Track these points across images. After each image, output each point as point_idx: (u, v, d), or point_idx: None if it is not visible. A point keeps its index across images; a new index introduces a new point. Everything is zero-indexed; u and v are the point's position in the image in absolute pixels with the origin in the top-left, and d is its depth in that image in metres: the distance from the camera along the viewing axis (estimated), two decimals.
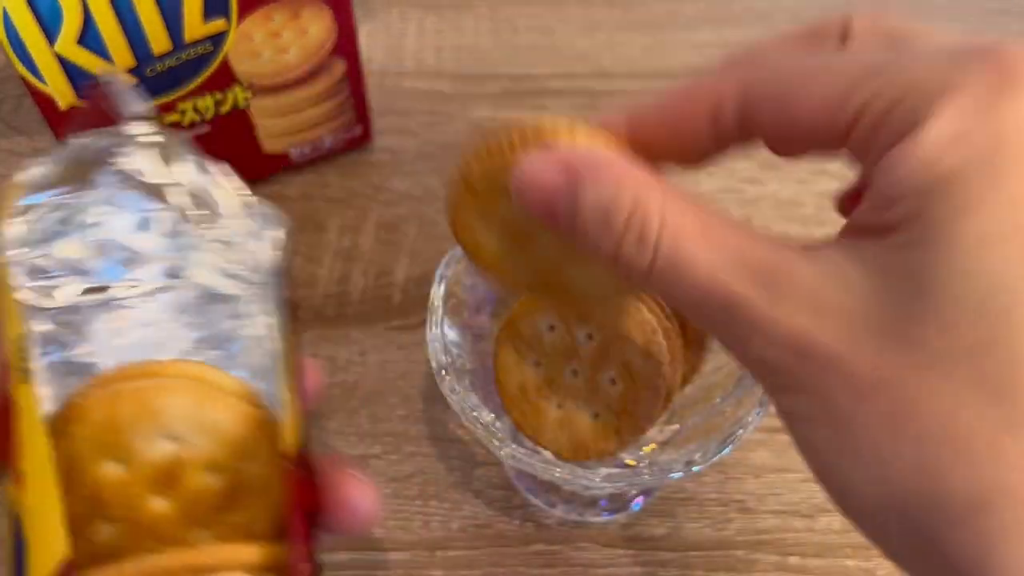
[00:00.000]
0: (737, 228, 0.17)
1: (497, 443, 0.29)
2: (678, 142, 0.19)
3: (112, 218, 0.27)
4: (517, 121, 0.20)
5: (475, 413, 0.29)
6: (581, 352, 0.27)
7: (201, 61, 0.38)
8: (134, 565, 0.20)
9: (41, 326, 0.25)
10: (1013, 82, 0.15)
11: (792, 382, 0.16)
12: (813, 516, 0.35)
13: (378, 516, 0.22)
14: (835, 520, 0.35)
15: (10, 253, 0.25)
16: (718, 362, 0.31)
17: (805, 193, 0.45)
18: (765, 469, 0.36)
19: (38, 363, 0.23)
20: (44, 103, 0.36)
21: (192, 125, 0.41)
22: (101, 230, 0.27)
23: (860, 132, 0.16)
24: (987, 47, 0.16)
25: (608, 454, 0.28)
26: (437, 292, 0.31)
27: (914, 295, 0.15)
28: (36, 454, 0.19)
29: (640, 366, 0.27)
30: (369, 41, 0.52)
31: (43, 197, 0.26)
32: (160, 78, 0.38)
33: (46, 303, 0.27)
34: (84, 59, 0.35)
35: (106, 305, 0.27)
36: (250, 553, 0.20)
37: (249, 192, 0.28)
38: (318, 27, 0.40)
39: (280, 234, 0.28)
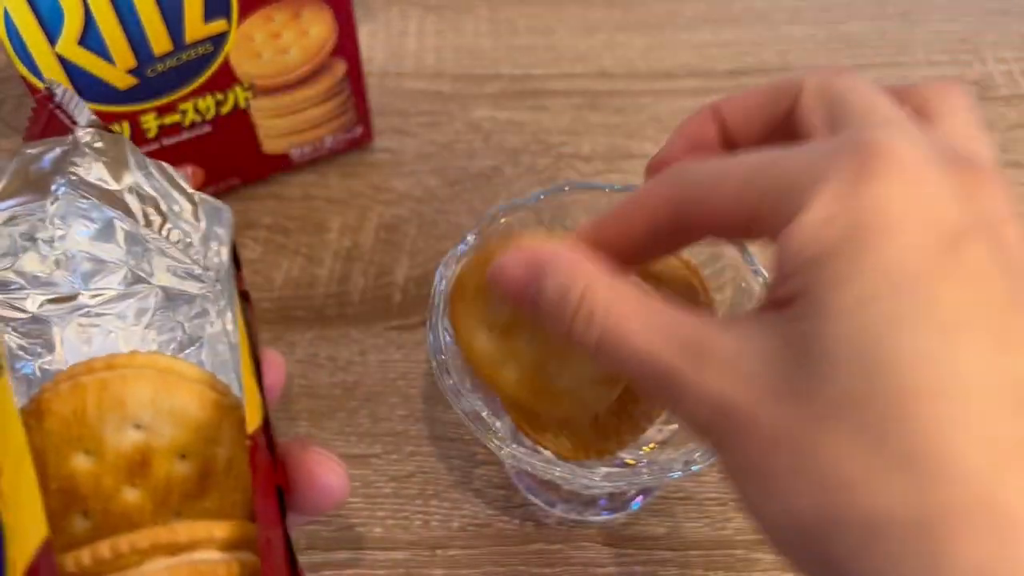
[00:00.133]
0: (668, 308, 0.20)
1: (497, 443, 0.29)
2: (627, 249, 0.22)
3: (73, 229, 0.27)
4: (502, 235, 0.23)
5: (475, 413, 0.29)
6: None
7: (202, 62, 0.38)
8: (109, 545, 0.20)
9: (9, 339, 0.26)
10: (870, 171, 0.18)
11: (718, 439, 0.19)
12: None
13: (345, 491, 0.23)
14: None
15: None
16: None
17: None
18: None
19: (9, 367, 0.23)
20: None
21: (193, 125, 0.41)
22: (64, 242, 0.27)
23: (759, 221, 0.19)
24: (854, 140, 0.18)
25: (608, 453, 0.28)
26: (437, 292, 0.31)
27: (805, 360, 0.17)
28: (11, 442, 0.19)
29: None
30: (369, 42, 0.52)
31: (1, 208, 0.26)
32: (161, 78, 0.38)
33: (13, 315, 0.27)
34: (85, 60, 0.35)
35: (73, 314, 0.28)
36: (222, 530, 0.20)
37: (194, 190, 0.28)
38: (319, 28, 0.40)
39: (229, 229, 0.28)
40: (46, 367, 0.27)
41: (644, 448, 0.32)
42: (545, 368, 0.26)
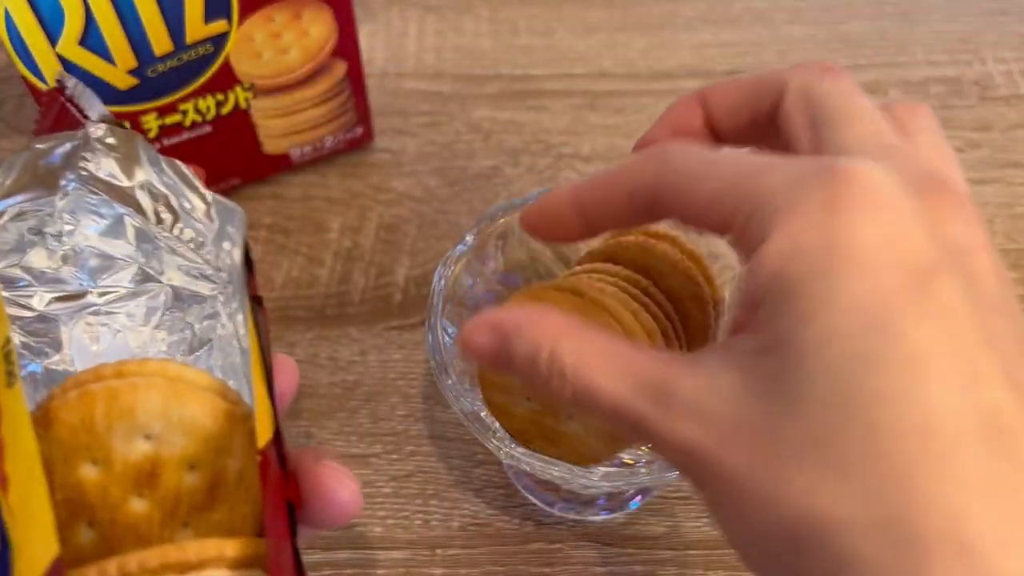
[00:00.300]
0: (633, 352, 0.20)
1: (496, 443, 0.29)
2: (603, 213, 0.22)
3: (82, 224, 0.27)
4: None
5: (474, 413, 0.29)
6: None
7: (202, 62, 0.38)
8: (116, 564, 0.19)
9: (15, 338, 0.25)
10: (843, 200, 0.18)
11: (696, 478, 0.19)
12: None
13: (358, 506, 0.22)
14: None
15: None
16: None
17: None
18: None
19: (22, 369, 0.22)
20: None
21: (193, 126, 0.41)
22: (72, 238, 0.26)
23: (734, 232, 0.19)
24: (827, 167, 0.18)
25: (612, 457, 0.28)
26: (436, 292, 0.31)
27: (772, 396, 0.18)
28: (21, 456, 0.19)
29: None
30: (370, 42, 0.52)
31: (10, 203, 0.25)
32: (161, 79, 0.38)
33: (20, 313, 0.26)
34: (86, 60, 0.35)
35: (81, 312, 0.27)
36: (232, 548, 0.20)
37: (207, 188, 0.27)
38: (319, 28, 0.40)
39: (242, 230, 0.27)
40: (53, 367, 0.27)
41: (643, 448, 0.32)
42: (556, 412, 0.27)
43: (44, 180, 0.26)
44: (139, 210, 0.27)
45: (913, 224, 0.18)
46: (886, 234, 0.17)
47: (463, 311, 0.33)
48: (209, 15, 0.37)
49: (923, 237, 0.18)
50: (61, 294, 0.27)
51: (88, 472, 0.21)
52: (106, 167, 0.26)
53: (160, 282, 0.28)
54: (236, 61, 0.39)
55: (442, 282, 0.32)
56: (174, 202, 0.27)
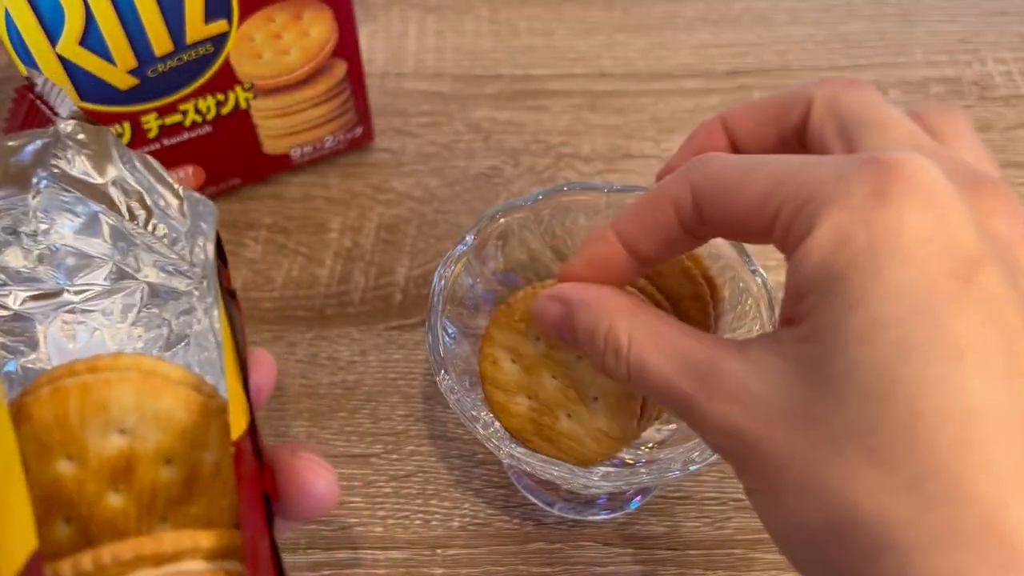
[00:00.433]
0: (684, 334, 0.21)
1: (496, 443, 0.29)
2: (652, 239, 0.22)
3: (57, 223, 0.26)
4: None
5: (474, 413, 0.29)
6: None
7: (203, 62, 0.38)
8: (90, 557, 0.19)
9: None
10: (887, 193, 0.18)
11: (735, 461, 0.20)
12: None
13: (335, 497, 0.22)
14: None
15: None
16: None
17: None
18: None
19: None
20: None
21: (193, 126, 0.41)
22: (48, 236, 0.26)
23: (778, 232, 0.19)
24: (874, 159, 0.18)
25: (612, 456, 0.28)
26: (437, 292, 0.31)
27: (815, 383, 0.18)
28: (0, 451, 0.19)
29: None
30: (370, 42, 0.52)
31: None
32: (162, 79, 0.38)
33: None
34: (86, 60, 0.35)
35: (57, 311, 0.27)
36: (208, 539, 0.20)
37: (178, 184, 0.27)
38: (319, 28, 0.40)
39: (214, 224, 0.27)
40: (29, 365, 0.26)
41: (643, 448, 0.32)
42: (554, 411, 0.28)
43: (15, 178, 0.25)
44: (113, 207, 0.26)
45: (959, 216, 0.18)
46: (932, 225, 0.18)
47: (463, 311, 0.33)
48: (209, 15, 0.37)
49: (969, 229, 0.18)
50: (36, 292, 0.27)
51: (64, 468, 0.21)
52: (78, 165, 0.26)
53: (136, 279, 0.27)
54: (236, 61, 0.39)
55: (442, 282, 0.32)
56: (147, 199, 0.27)
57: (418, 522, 0.35)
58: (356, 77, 0.43)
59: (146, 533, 0.21)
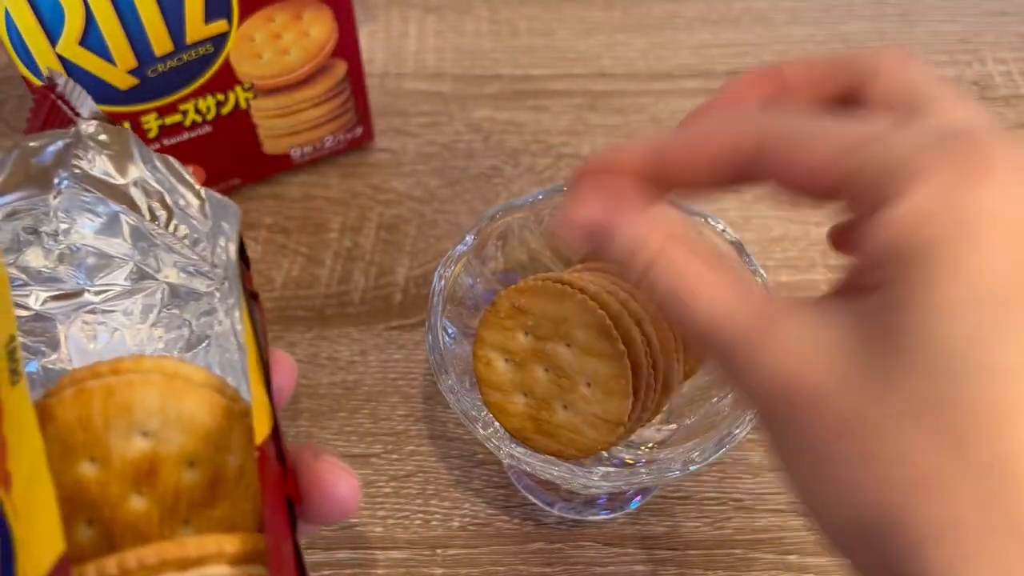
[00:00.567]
0: (741, 277, 0.20)
1: (496, 443, 0.29)
2: (697, 168, 0.21)
3: (78, 223, 0.26)
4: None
5: (473, 413, 0.29)
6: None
7: (203, 62, 0.38)
8: (115, 561, 0.19)
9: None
10: (978, 171, 0.17)
11: (778, 417, 0.19)
12: None
13: (357, 501, 0.22)
14: None
15: None
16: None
17: None
18: (763, 468, 0.36)
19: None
20: None
21: (193, 126, 0.41)
22: (69, 236, 0.26)
23: (851, 193, 0.19)
24: (963, 134, 0.18)
25: (612, 444, 0.28)
26: (436, 292, 0.31)
27: (889, 352, 0.17)
28: (25, 453, 0.18)
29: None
30: (370, 42, 0.52)
31: (1, 202, 0.25)
32: (162, 79, 0.38)
33: (16, 312, 0.26)
34: (86, 60, 0.35)
35: (78, 311, 0.27)
36: (232, 544, 0.20)
37: (200, 184, 0.27)
38: (319, 28, 0.40)
39: (236, 225, 0.27)
40: (50, 366, 0.26)
41: (643, 448, 0.32)
42: (550, 403, 0.28)
43: (36, 178, 0.25)
44: (134, 207, 0.26)
45: None
46: (1019, 208, 0.17)
47: (463, 311, 0.33)
48: (209, 15, 0.37)
49: None
50: (57, 293, 0.27)
51: (86, 470, 0.21)
52: (99, 165, 0.26)
53: (157, 279, 0.28)
54: (236, 61, 0.39)
55: (442, 282, 0.32)
56: (168, 199, 0.27)
57: (418, 522, 0.35)
58: (356, 77, 0.43)
59: (168, 536, 0.21)
